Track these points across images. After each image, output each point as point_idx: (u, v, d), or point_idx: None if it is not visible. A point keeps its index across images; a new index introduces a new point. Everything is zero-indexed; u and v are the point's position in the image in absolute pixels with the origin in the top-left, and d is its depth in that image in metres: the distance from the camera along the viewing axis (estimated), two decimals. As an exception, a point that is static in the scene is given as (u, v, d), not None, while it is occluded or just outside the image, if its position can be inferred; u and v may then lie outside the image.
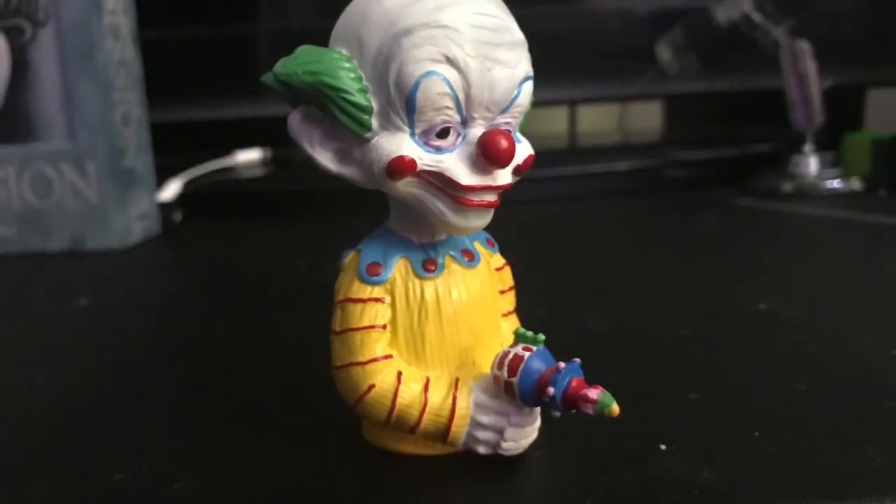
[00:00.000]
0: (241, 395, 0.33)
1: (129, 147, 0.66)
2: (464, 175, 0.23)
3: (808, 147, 0.77)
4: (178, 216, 0.75)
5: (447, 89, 0.22)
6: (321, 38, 0.24)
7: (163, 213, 0.72)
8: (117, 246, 0.65)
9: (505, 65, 0.22)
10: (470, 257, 0.26)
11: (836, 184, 0.75)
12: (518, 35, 0.23)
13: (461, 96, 0.22)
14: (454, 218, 0.23)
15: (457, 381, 0.24)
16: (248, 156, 0.93)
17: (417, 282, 0.25)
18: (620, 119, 1.15)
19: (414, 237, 0.25)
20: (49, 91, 0.63)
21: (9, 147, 0.64)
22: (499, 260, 0.28)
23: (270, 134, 0.93)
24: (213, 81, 0.92)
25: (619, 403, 0.22)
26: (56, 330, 0.45)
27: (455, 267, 0.26)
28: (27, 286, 0.57)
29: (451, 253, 0.26)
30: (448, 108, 0.22)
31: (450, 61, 0.21)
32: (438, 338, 0.25)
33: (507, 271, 0.28)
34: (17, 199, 0.65)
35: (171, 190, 0.76)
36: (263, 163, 0.94)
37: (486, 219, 0.24)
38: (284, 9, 0.95)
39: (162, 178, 0.74)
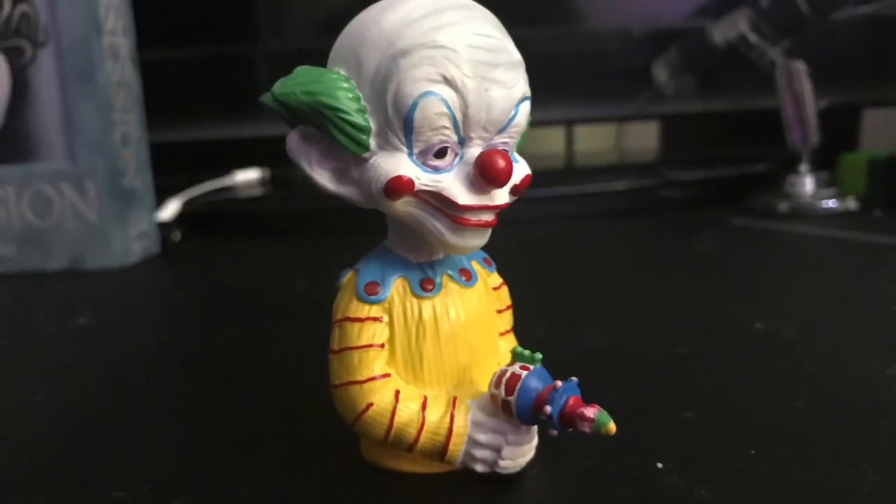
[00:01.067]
0: (240, 413, 0.33)
1: (128, 167, 0.66)
2: (461, 195, 0.23)
3: (803, 167, 0.78)
4: (176, 235, 0.75)
5: (445, 109, 0.22)
6: (320, 58, 0.24)
7: (162, 233, 0.72)
8: (117, 265, 0.65)
9: (502, 85, 0.22)
10: (467, 276, 0.26)
11: (831, 203, 0.76)
12: (515, 55, 0.23)
13: (459, 116, 0.22)
14: (452, 237, 0.24)
15: (454, 399, 0.25)
16: (247, 176, 0.93)
17: (415, 301, 0.25)
18: (617, 139, 1.15)
19: (412, 256, 0.26)
20: (49, 111, 0.64)
21: (9, 167, 0.65)
22: (496, 279, 0.28)
23: (269, 154, 0.93)
24: (212, 102, 0.93)
25: (615, 422, 0.22)
26: (56, 348, 0.45)
27: (453, 286, 0.26)
28: (27, 305, 0.57)
29: (449, 272, 0.26)
30: (446, 128, 0.22)
31: (447, 81, 0.22)
32: (436, 356, 0.25)
33: (505, 290, 0.29)
34: (18, 218, 0.65)
35: (170, 209, 0.76)
36: (262, 182, 0.95)
37: (483, 238, 0.24)
38: (283, 29, 0.96)
39: (161, 198, 0.75)
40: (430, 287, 0.25)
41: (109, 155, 0.64)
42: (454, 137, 0.23)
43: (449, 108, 0.22)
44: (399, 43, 0.22)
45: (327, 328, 0.25)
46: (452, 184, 0.23)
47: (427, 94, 0.22)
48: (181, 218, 0.77)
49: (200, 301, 0.56)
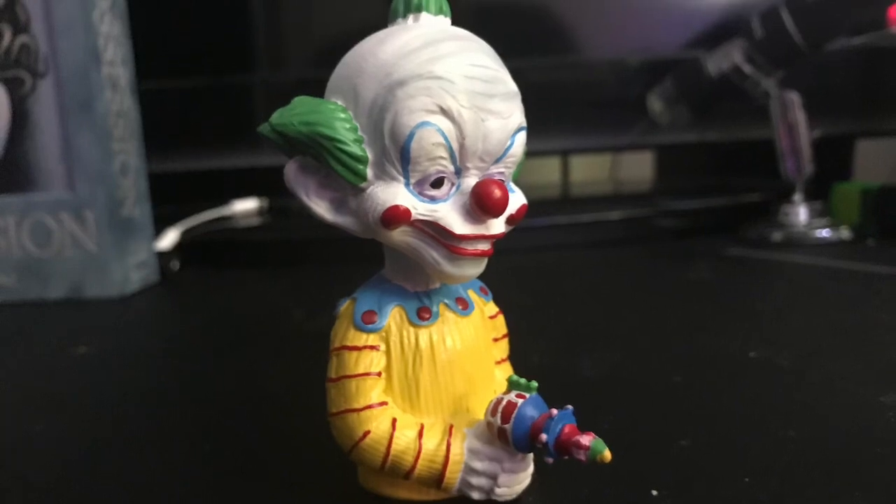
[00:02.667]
0: (237, 442, 0.33)
1: (127, 197, 0.67)
2: (458, 224, 0.23)
3: (797, 197, 0.78)
4: (175, 265, 0.75)
5: (441, 140, 0.22)
6: (317, 88, 0.25)
7: (161, 262, 0.73)
8: (116, 294, 0.65)
9: (498, 115, 0.23)
10: (464, 305, 0.26)
11: (825, 233, 0.76)
12: (511, 86, 0.24)
13: (455, 146, 0.22)
14: (448, 267, 0.24)
15: (451, 427, 0.25)
16: (245, 205, 0.94)
17: (412, 330, 0.25)
18: (612, 169, 1.16)
19: (408, 285, 0.26)
20: (48, 141, 0.64)
21: (9, 197, 0.65)
22: (492, 308, 0.29)
23: (267, 183, 0.94)
24: (211, 132, 0.93)
25: (611, 450, 0.22)
26: (56, 377, 0.45)
27: (449, 315, 0.26)
28: (27, 334, 0.57)
29: (446, 301, 0.26)
30: (442, 158, 0.22)
31: (444, 112, 0.22)
32: (433, 385, 0.25)
33: (501, 319, 0.29)
34: (17, 248, 0.65)
35: (169, 239, 0.76)
36: (260, 212, 0.95)
37: (479, 267, 0.25)
38: (281, 60, 0.97)
39: (160, 228, 0.75)
40: (427, 316, 0.25)
41: (109, 185, 0.64)
42: (451, 167, 0.23)
43: (445, 138, 0.22)
44: (396, 74, 0.22)
45: (325, 357, 0.25)
46: (449, 213, 0.23)
47: (424, 124, 0.22)
48: (180, 247, 0.77)
49: (199, 330, 0.56)
